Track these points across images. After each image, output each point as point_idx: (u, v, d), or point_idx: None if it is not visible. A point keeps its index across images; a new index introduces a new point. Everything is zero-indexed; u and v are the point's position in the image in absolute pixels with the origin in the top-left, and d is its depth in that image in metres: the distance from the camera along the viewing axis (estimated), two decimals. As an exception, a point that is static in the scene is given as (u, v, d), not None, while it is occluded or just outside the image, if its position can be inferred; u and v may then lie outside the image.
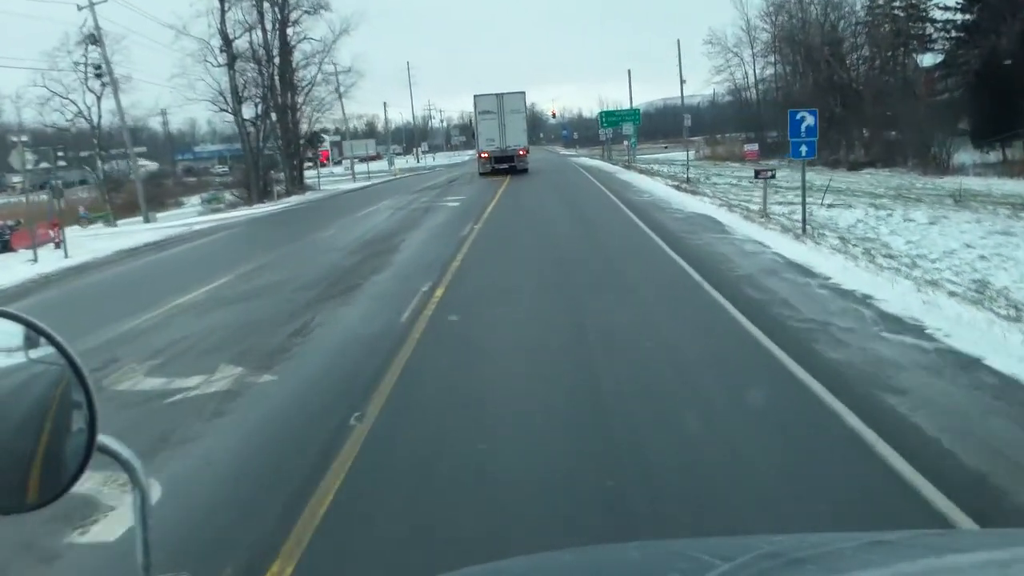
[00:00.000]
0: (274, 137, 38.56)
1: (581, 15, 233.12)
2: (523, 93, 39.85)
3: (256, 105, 36.08)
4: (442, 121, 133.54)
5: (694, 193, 23.06)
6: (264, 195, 38.34)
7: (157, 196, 48.78)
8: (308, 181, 43.43)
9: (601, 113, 55.50)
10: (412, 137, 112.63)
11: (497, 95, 38.61)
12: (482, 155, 39.27)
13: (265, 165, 39.48)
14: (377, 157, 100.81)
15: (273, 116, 38.66)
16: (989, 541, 1.33)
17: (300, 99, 40.41)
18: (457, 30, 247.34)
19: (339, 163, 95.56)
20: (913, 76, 59.17)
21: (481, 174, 38.71)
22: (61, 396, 1.14)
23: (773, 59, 73.39)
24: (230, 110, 35.19)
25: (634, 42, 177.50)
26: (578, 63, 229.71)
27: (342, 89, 41.70)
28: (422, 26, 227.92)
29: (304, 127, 42.53)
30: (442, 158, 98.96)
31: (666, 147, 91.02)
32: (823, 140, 73.81)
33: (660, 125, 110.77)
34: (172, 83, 53.46)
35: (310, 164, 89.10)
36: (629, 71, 72.75)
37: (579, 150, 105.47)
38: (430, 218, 19.75)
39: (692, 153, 79.72)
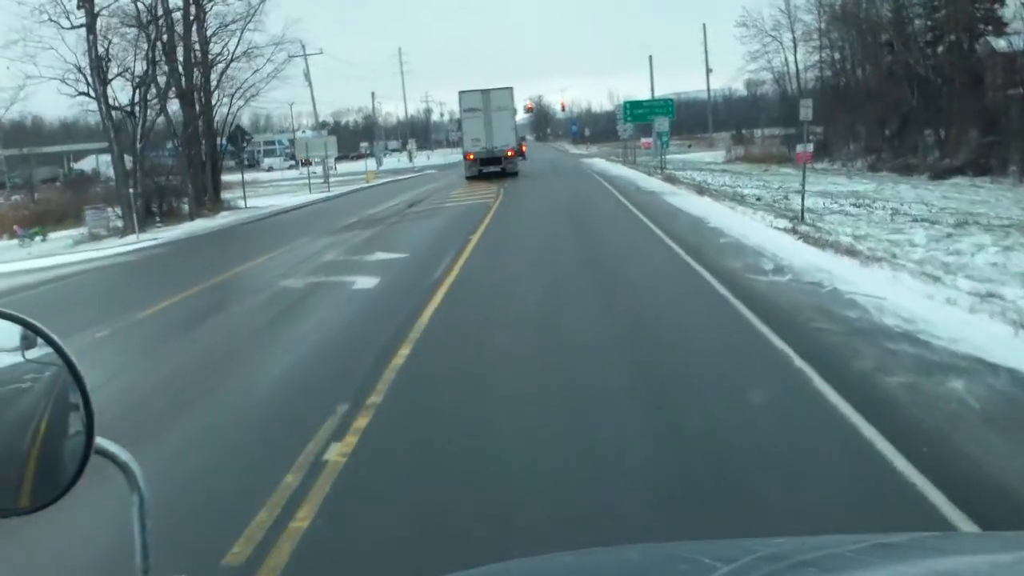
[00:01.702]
0: (171, 134, 26.72)
1: (591, 2, 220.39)
2: (510, 89, 35.68)
3: (135, 89, 24.21)
4: (442, 115, 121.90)
5: (850, 254, 11.20)
6: (164, 216, 26.64)
7: (75, 204, 36.99)
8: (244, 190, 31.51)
9: (625, 104, 43.25)
10: (407, 133, 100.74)
11: (483, 91, 34.62)
12: (468, 156, 34.96)
13: (175, 171, 27.76)
14: (365, 155, 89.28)
15: (174, 103, 26.88)
16: (992, 544, 1.28)
17: (214, 80, 28.50)
18: (459, 17, 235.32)
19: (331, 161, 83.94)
20: (987, 63, 47.88)
21: (468, 178, 34.12)
22: (58, 398, 1.10)
23: (819, 43, 61.25)
24: (90, 93, 23.28)
25: (648, 32, 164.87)
26: (588, 54, 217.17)
27: (271, 66, 29.63)
28: (420, 14, 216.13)
29: (233, 118, 30.39)
30: (438, 156, 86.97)
31: (690, 146, 78.95)
32: (889, 140, 59.36)
33: (675, 122, 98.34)
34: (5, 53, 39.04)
35: (297, 163, 76.54)
36: (651, 57, 60.82)
37: (590, 148, 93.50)
38: (277, 348, 7.54)
39: (722, 154, 67.77)
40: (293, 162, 73.66)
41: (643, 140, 55.78)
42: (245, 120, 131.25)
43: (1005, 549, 1.15)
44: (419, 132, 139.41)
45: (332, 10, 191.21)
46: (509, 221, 16.62)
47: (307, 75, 54.72)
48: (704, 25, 67.32)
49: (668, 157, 56.65)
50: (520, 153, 59.76)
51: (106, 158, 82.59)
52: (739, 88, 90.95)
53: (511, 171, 34.39)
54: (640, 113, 41.44)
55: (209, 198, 28.55)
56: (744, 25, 61.82)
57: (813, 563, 1.04)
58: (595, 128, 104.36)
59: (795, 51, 62.61)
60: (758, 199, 24.79)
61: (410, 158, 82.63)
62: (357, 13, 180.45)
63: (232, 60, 28.00)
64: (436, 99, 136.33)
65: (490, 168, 33.83)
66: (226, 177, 68.49)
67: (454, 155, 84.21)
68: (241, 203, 29.59)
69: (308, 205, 29.24)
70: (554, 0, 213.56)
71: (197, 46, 28.05)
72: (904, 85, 46.18)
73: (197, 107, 28.02)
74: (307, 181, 40.09)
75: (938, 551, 1.17)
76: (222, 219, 25.70)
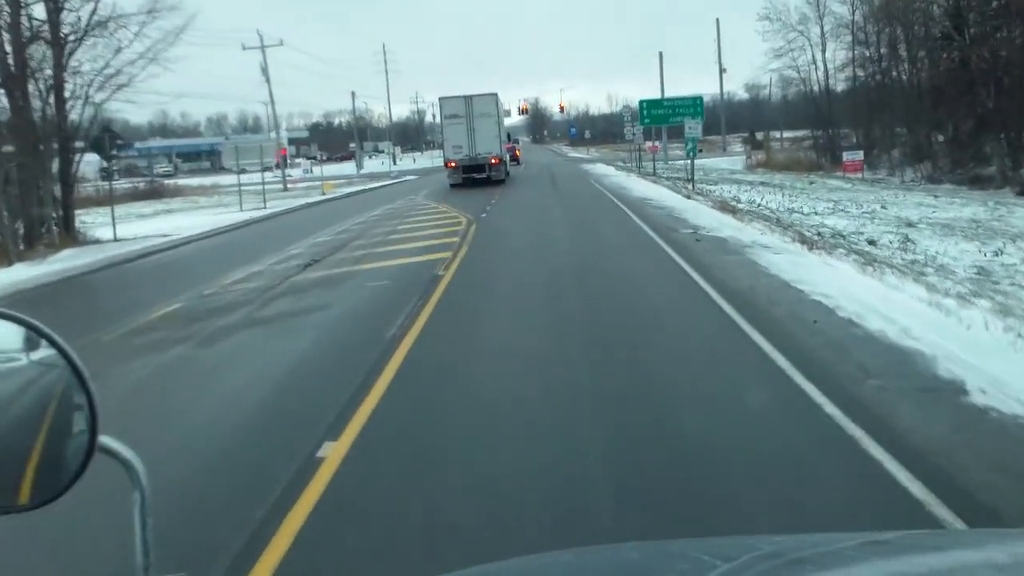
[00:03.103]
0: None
1: (589, 4, 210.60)
2: (495, 95, 33.26)
3: None
4: (434, 116, 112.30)
5: None
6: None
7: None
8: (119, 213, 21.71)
9: (641, 103, 33.53)
10: (392, 134, 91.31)
11: (465, 97, 32.28)
12: (449, 164, 32.53)
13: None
14: (349, 157, 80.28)
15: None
16: (988, 541, 1.24)
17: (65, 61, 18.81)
18: (455, 18, 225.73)
19: (308, 161, 74.62)
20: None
21: (452, 186, 31.88)
22: (61, 398, 1.09)
23: (852, 38, 51.72)
24: None
25: (647, 34, 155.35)
26: (585, 57, 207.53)
27: (141, 45, 19.66)
28: (414, 15, 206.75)
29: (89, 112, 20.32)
30: (425, 160, 77.53)
31: (700, 151, 69.41)
32: (947, 147, 46.92)
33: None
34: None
35: (272, 165, 66.74)
36: (661, 53, 51.29)
37: (590, 151, 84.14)
38: None
39: (739, 160, 58.35)
40: (268, 164, 63.83)
41: (649, 144, 47.12)
42: (232, 119, 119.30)
43: (1001, 547, 1.11)
44: (412, 134, 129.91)
45: (326, 9, 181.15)
46: (454, 354, 6.80)
47: (264, 70, 45.21)
48: (717, 20, 57.78)
49: (677, 164, 47.24)
50: (514, 159, 50.79)
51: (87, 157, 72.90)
52: (737, 91, 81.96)
53: (497, 179, 31.85)
54: (660, 114, 31.91)
55: (56, 227, 19.00)
56: (767, 19, 52.34)
57: (810, 560, 1.01)
58: (593, 131, 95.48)
59: (823, 47, 53.08)
60: (871, 243, 15.46)
61: (394, 161, 73.32)
62: (351, 13, 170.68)
63: (87, 32, 18.28)
64: (429, 100, 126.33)
65: (476, 175, 31.42)
66: (182, 181, 58.08)
67: (441, 159, 74.81)
68: (110, 231, 19.98)
69: (200, 239, 19.64)
70: (552, 1, 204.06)
71: (39, 12, 18.46)
72: (978, 84, 36.80)
73: (39, 98, 18.46)
74: (239, 195, 30.59)
75: (932, 548, 1.15)
76: (53, 265, 16.14)
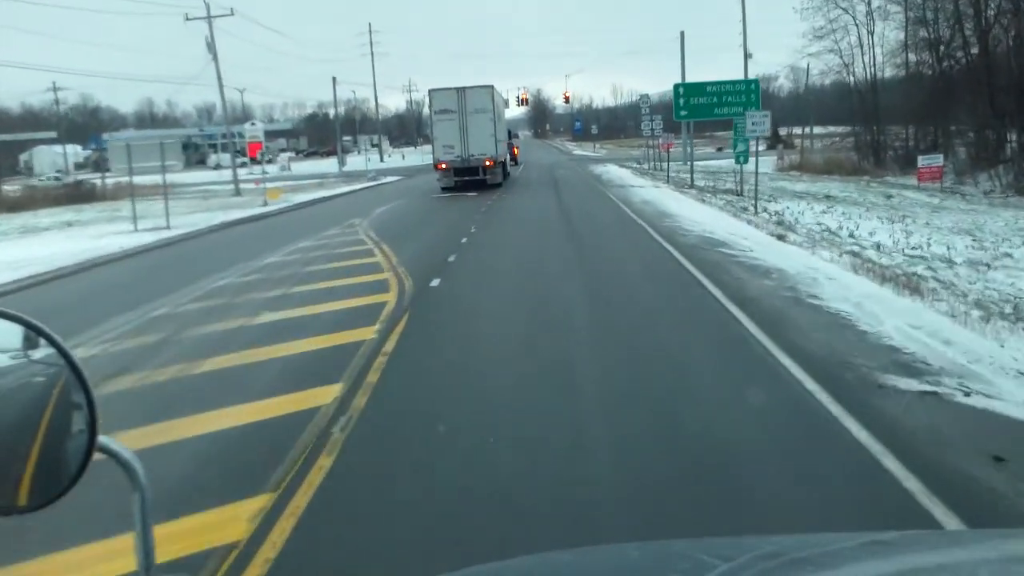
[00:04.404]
0: None
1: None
2: (491, 87, 28.58)
3: None
4: (429, 107, 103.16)
5: None
6: None
7: None
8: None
9: (677, 89, 24.43)
10: (379, 126, 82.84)
11: (458, 89, 27.38)
12: (439, 166, 27.68)
13: None
14: (333, 152, 71.96)
15: None
16: (987, 541, 1.22)
17: None
18: (452, 8, 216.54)
19: (274, 158, 66.20)
20: None
21: (443, 189, 27.34)
22: (60, 397, 1.06)
23: (905, 16, 42.80)
24: None
25: (650, 26, 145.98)
26: (590, 44, 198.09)
27: None
28: (410, 9, 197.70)
29: None
30: (416, 156, 69.10)
31: (720, 149, 60.90)
32: None
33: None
34: None
35: (247, 161, 57.64)
36: (682, 33, 42.55)
37: (596, 148, 75.37)
38: None
39: (768, 161, 49.75)
40: (244, 160, 54.83)
41: (664, 141, 38.79)
42: (219, 107, 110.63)
43: (999, 546, 1.10)
44: (410, 125, 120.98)
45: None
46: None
47: (210, 45, 36.53)
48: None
49: (698, 165, 38.51)
50: (512, 158, 42.71)
51: (45, 149, 63.14)
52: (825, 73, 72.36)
53: (493, 183, 27.75)
54: (702, 104, 23.21)
55: None
56: (807, -6, 43.43)
57: (808, 560, 1.00)
58: (597, 124, 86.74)
59: (871, 27, 44.19)
60: None
61: (381, 157, 64.99)
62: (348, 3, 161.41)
63: None
64: (425, 90, 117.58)
65: (469, 178, 27.21)
66: (139, 179, 48.70)
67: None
68: None
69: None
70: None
71: None
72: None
73: None
74: (133, 215, 22.15)
75: (931, 548, 1.13)
76: None
